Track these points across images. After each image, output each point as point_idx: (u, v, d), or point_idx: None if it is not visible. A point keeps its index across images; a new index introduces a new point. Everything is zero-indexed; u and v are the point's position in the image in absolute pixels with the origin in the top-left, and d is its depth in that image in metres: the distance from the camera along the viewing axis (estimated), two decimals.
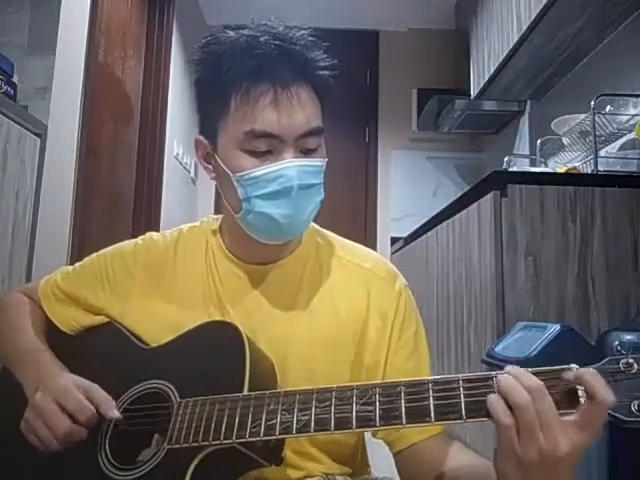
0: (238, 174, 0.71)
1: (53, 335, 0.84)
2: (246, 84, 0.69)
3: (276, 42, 0.70)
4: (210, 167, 0.78)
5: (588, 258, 1.66)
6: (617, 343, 1.18)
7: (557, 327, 1.34)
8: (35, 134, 1.85)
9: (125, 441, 0.69)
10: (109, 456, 0.67)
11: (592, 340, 1.43)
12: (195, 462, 0.60)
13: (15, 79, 1.86)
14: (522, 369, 0.53)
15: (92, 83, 2.37)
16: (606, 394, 0.50)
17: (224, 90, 0.70)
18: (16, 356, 0.79)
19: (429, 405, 0.54)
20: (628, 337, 1.32)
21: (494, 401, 0.52)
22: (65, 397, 0.67)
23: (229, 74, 0.70)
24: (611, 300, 1.64)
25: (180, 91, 3.63)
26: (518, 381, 0.52)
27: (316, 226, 0.85)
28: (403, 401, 0.55)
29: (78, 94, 2.30)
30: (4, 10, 1.99)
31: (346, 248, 0.85)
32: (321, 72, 0.73)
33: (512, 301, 1.64)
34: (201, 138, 0.77)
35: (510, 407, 0.51)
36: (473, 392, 0.54)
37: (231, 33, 0.73)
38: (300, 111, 0.70)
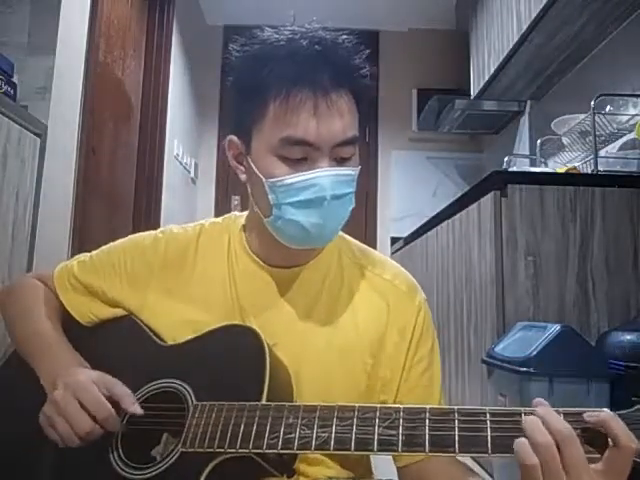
0: (271, 180, 0.69)
1: (68, 325, 0.83)
2: (286, 90, 0.67)
3: (318, 47, 0.68)
4: (242, 168, 0.76)
5: (588, 258, 1.66)
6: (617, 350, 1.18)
7: (557, 327, 1.34)
8: (35, 134, 1.84)
9: (138, 439, 0.68)
10: (121, 454, 0.67)
11: (592, 340, 1.43)
12: (208, 469, 0.60)
13: (15, 79, 1.86)
14: (551, 410, 0.52)
15: (92, 83, 2.37)
16: (629, 439, 0.49)
17: (263, 94, 0.69)
18: (31, 344, 0.78)
19: (454, 436, 0.53)
20: (628, 337, 1.32)
21: (519, 443, 0.51)
22: (85, 394, 0.66)
23: (269, 78, 0.68)
24: (611, 300, 1.64)
25: (180, 91, 3.63)
26: (545, 424, 0.51)
27: (341, 233, 0.83)
28: (427, 429, 0.54)
29: (78, 94, 2.30)
30: (4, 10, 1.99)
31: (368, 257, 0.84)
32: (362, 80, 0.72)
33: (512, 301, 1.65)
34: (234, 138, 0.76)
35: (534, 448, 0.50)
36: (500, 426, 0.53)
37: (272, 33, 0.71)
38: (339, 120, 0.68)
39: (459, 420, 0.54)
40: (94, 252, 0.88)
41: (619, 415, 0.51)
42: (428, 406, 0.56)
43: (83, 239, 2.30)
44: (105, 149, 2.66)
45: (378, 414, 0.56)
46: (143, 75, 3.20)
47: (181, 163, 3.68)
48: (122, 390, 0.68)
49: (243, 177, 0.76)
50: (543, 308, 1.63)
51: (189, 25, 3.75)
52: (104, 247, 0.87)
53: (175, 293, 0.79)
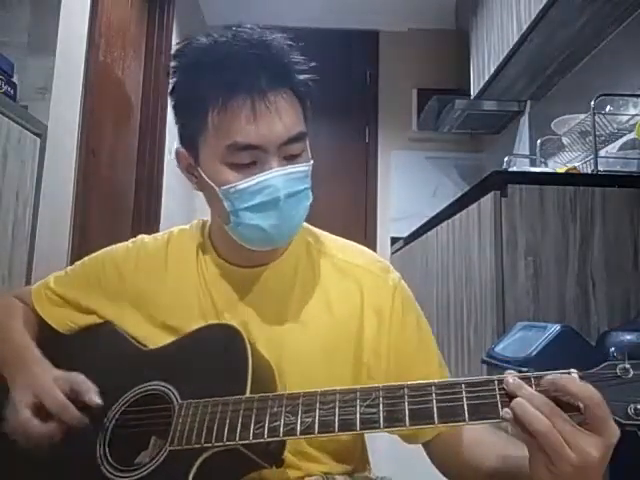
0: (224, 187, 0.70)
1: (48, 336, 0.83)
2: (223, 98, 0.67)
3: (251, 51, 0.68)
4: (194, 178, 0.76)
5: (588, 258, 1.66)
6: (613, 350, 1.19)
7: (557, 327, 1.34)
8: (35, 134, 1.85)
9: (125, 443, 0.68)
10: (109, 457, 0.67)
11: (592, 340, 1.43)
12: (197, 464, 0.60)
13: (15, 79, 1.86)
14: (529, 388, 0.53)
15: (92, 83, 2.37)
16: (586, 391, 0.50)
17: (201, 105, 0.69)
18: (4, 356, 0.79)
19: (432, 407, 0.55)
20: (628, 337, 1.32)
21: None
22: (44, 395, 0.67)
23: (205, 89, 0.69)
24: (611, 300, 1.64)
25: None
26: (532, 405, 0.51)
27: (306, 225, 0.84)
28: (406, 404, 0.56)
29: (78, 94, 2.30)
30: (4, 10, 1.99)
31: (337, 246, 0.84)
32: (300, 76, 0.72)
33: (512, 301, 1.65)
34: (182, 150, 0.76)
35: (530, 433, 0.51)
36: (475, 395, 0.54)
37: (204, 40, 0.71)
38: (279, 120, 0.68)
39: (436, 393, 0.56)
40: (69, 267, 0.89)
41: (588, 374, 0.52)
42: (407, 382, 0.58)
43: (83, 239, 2.30)
44: (105, 149, 2.66)
45: (359, 395, 0.58)
46: (143, 75, 3.20)
47: None
48: (85, 384, 0.68)
49: (196, 187, 0.77)
50: (543, 308, 1.63)
51: (189, 25, 3.75)
52: (79, 261, 0.89)
53: (149, 301, 0.80)
